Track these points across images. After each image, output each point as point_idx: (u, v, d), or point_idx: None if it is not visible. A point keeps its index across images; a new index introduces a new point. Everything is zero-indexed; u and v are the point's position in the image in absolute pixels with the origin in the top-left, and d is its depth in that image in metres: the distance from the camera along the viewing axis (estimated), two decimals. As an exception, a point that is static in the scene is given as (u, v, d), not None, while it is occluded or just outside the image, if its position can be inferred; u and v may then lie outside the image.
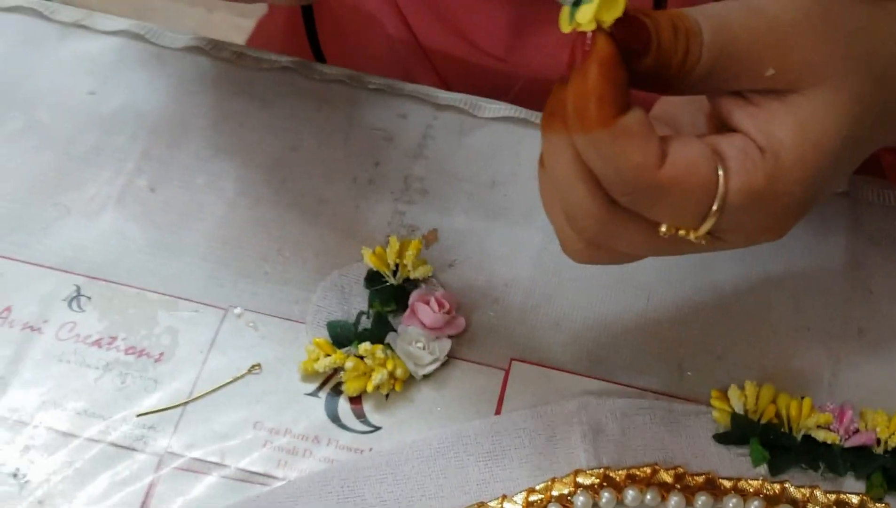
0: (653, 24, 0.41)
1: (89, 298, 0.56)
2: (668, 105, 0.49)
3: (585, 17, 0.40)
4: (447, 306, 0.56)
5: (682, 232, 0.43)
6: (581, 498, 0.51)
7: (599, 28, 0.40)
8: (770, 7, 0.43)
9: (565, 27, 0.41)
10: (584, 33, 0.40)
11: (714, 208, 0.42)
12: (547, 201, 0.46)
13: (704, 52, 0.42)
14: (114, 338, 0.55)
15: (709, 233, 0.43)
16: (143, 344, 0.55)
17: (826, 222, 0.61)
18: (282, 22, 0.84)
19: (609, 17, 0.40)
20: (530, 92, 0.68)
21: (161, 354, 0.55)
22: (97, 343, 0.55)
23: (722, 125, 0.44)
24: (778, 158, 0.42)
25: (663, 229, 0.43)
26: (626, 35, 0.41)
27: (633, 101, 0.41)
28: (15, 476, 0.51)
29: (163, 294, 0.56)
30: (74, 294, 0.56)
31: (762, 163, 0.42)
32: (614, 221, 0.43)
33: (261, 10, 0.89)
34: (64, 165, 0.61)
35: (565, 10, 0.41)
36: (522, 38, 0.70)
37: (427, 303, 0.56)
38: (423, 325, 0.55)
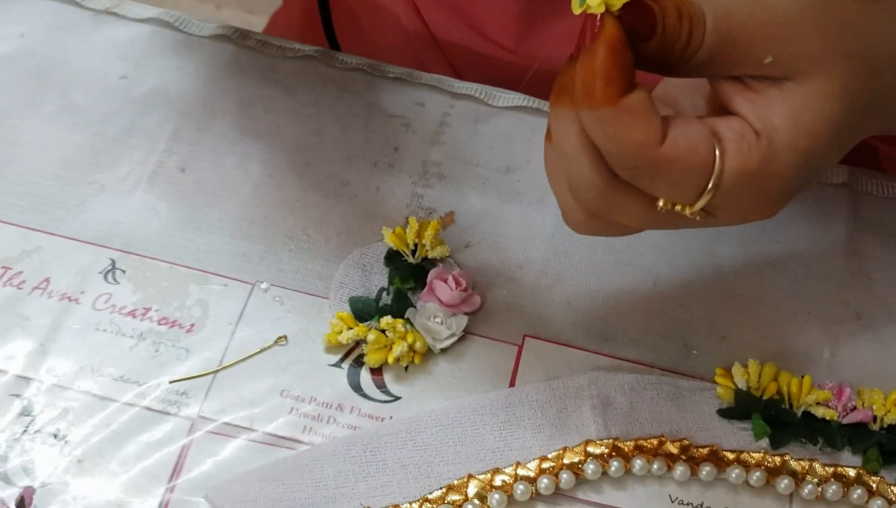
0: (659, 10, 0.43)
1: (124, 271, 0.58)
2: (669, 86, 0.51)
3: (595, 0, 0.42)
4: (463, 284, 0.58)
5: (678, 207, 0.45)
6: (591, 466, 0.53)
7: (608, 11, 0.42)
8: None
9: (576, 9, 0.43)
10: (593, 16, 0.42)
11: (709, 186, 0.44)
12: (551, 172, 0.48)
13: (707, 37, 0.43)
14: (147, 309, 0.57)
15: (703, 209, 0.45)
16: (175, 315, 0.57)
17: (826, 211, 0.63)
18: (296, 16, 0.86)
19: (618, 2, 0.42)
20: (541, 82, 0.70)
21: (192, 325, 0.57)
22: (132, 314, 0.57)
23: (720, 108, 0.46)
24: (772, 142, 0.44)
25: (660, 203, 0.45)
26: (634, 19, 0.43)
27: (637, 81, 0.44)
28: (55, 436, 0.53)
29: (193, 269, 0.58)
30: (109, 267, 0.58)
31: (757, 146, 0.44)
32: (615, 193, 0.45)
33: (269, 6, 0.91)
34: (98, 145, 0.62)
35: None
36: (532, 29, 0.72)
37: (444, 281, 0.58)
38: (441, 302, 0.57)
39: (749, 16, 0.44)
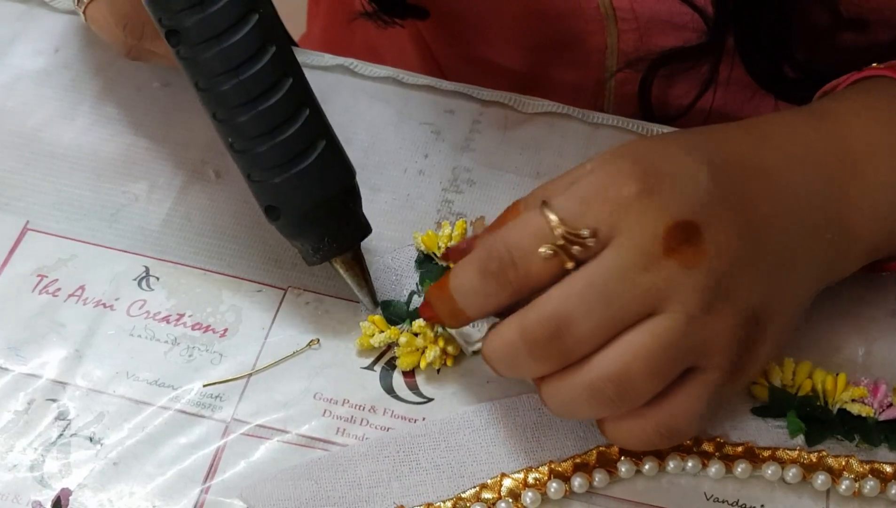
0: None
1: (158, 278, 0.59)
2: None
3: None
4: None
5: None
6: (625, 466, 0.53)
7: None
8: None
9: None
10: None
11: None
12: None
13: None
14: (181, 315, 0.57)
15: None
16: (208, 321, 0.57)
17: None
18: (318, 42, 0.89)
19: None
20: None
21: (225, 329, 0.57)
22: (166, 319, 0.57)
23: None
24: None
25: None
26: None
27: None
28: (91, 439, 0.54)
29: (226, 275, 0.59)
30: (144, 274, 0.59)
31: None
32: None
33: (294, 30, 0.92)
34: (131, 155, 0.63)
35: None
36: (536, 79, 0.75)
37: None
38: (471, 306, 0.58)
39: None
